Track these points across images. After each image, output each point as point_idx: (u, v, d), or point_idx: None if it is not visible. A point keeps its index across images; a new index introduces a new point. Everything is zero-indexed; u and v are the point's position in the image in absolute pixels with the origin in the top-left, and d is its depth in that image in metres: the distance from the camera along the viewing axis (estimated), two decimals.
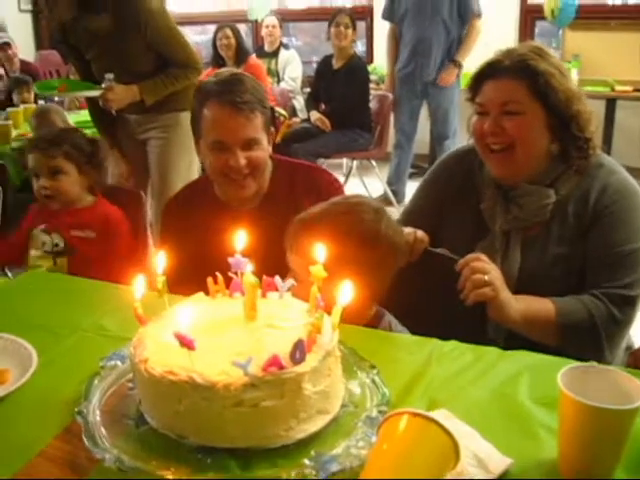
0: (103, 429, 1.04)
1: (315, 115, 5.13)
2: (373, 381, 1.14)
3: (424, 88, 4.97)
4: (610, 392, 0.95)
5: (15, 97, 4.97)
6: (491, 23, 5.11)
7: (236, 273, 1.21)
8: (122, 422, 1.07)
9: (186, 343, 0.96)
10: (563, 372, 0.97)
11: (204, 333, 1.07)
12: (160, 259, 1.16)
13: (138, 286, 1.08)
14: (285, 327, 1.07)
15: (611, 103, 4.94)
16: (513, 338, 1.55)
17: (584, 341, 1.56)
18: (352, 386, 1.13)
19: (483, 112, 1.66)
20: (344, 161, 5.72)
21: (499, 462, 0.97)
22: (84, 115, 3.96)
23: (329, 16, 5.26)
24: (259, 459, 0.97)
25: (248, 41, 7.04)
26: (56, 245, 2.35)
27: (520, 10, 5.89)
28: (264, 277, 1.19)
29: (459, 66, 4.84)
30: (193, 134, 1.98)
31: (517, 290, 1.60)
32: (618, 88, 4.93)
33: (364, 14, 6.56)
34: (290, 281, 1.17)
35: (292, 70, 6.33)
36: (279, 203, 1.94)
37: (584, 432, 0.93)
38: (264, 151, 1.91)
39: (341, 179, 5.25)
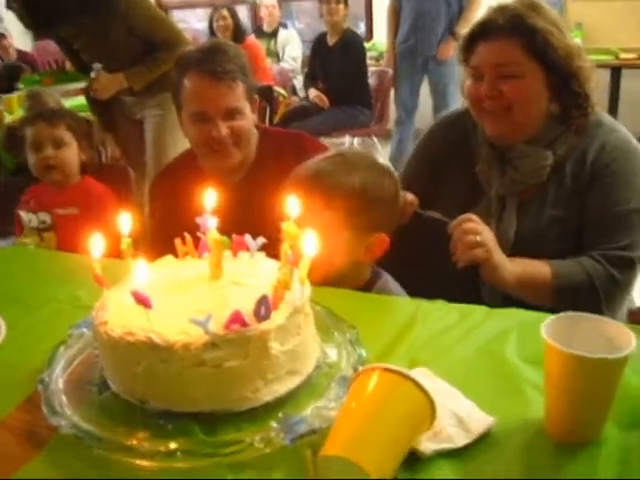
0: (64, 397, 0.99)
1: (313, 93, 5.07)
2: (351, 342, 1.07)
3: (425, 63, 4.86)
4: (598, 342, 0.88)
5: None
6: None
7: (205, 233, 1.14)
8: (85, 389, 1.02)
9: (142, 300, 0.90)
10: (547, 322, 0.90)
11: (165, 293, 1.01)
12: (125, 220, 1.10)
13: (96, 246, 1.02)
14: (251, 284, 1.00)
15: (616, 71, 4.82)
16: (509, 302, 1.48)
17: (582, 303, 1.44)
18: (328, 347, 1.07)
19: (477, 75, 1.58)
20: (346, 139, 5.63)
21: (481, 421, 0.90)
22: (79, 100, 3.92)
23: None
24: (224, 423, 0.91)
25: (248, 22, 6.97)
26: (42, 222, 2.31)
27: None
28: (234, 235, 1.13)
29: (459, 39, 4.72)
30: (175, 106, 1.92)
31: (513, 254, 1.53)
32: (622, 56, 4.81)
33: None
34: (261, 239, 1.11)
35: (292, 49, 6.26)
36: (267, 173, 1.87)
37: (569, 385, 0.86)
38: (247, 120, 1.85)
39: None
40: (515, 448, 0.88)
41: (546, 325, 0.89)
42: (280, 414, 0.91)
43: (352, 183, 1.37)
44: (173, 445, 0.87)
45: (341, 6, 4.99)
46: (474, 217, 1.48)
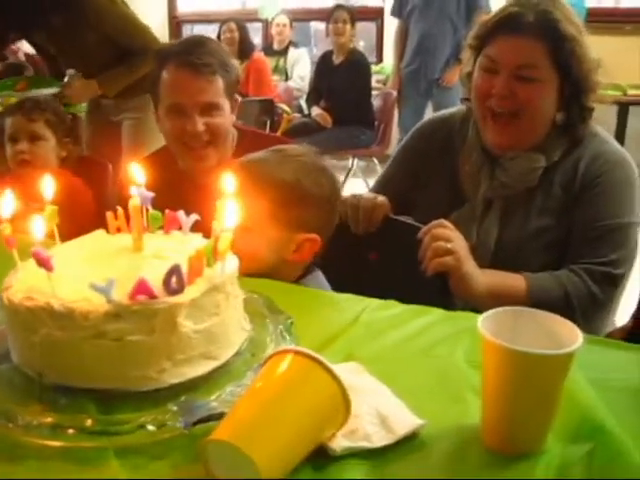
0: None
1: (316, 110, 5.03)
2: (282, 332, 0.98)
3: (429, 86, 4.81)
4: (542, 339, 0.79)
5: None
6: None
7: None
8: None
9: (42, 261, 0.81)
10: (486, 315, 0.80)
11: (80, 262, 0.92)
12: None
13: (5, 208, 0.93)
14: (171, 257, 0.91)
15: (623, 108, 4.76)
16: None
17: None
18: (256, 334, 0.98)
19: (491, 69, 1.47)
20: (349, 162, 5.58)
21: (407, 423, 0.81)
22: None
23: None
24: (123, 403, 0.82)
25: (259, 39, 6.97)
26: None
27: None
28: (167, 211, 1.05)
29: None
30: (152, 101, 1.86)
31: (492, 263, 1.45)
32: (631, 92, 4.74)
33: (375, 15, 6.46)
34: (194, 216, 1.02)
35: (300, 69, 6.23)
36: None
37: (506, 385, 0.76)
38: (225, 118, 1.78)
39: (342, 179, 5.12)
40: (442, 454, 0.79)
41: (484, 318, 0.80)
42: (183, 397, 0.81)
43: (284, 174, 1.30)
44: (52, 419, 0.77)
45: (348, 26, 4.98)
46: (446, 223, 1.40)
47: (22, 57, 6.18)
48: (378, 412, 0.81)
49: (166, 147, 1.93)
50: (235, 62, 4.94)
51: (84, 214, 2.27)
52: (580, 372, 0.90)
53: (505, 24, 1.45)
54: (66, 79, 2.87)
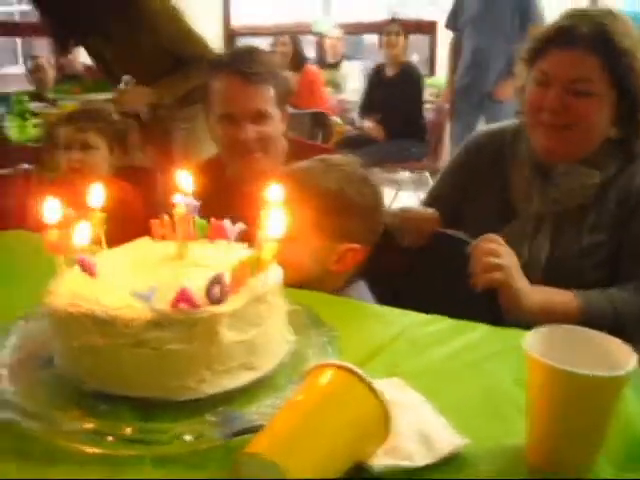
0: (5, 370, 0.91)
1: (368, 123, 5.00)
2: (325, 345, 0.96)
3: (481, 100, 4.75)
4: (593, 359, 0.75)
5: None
6: None
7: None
8: (32, 364, 0.93)
9: (86, 267, 0.82)
10: (533, 333, 0.78)
11: (124, 269, 0.93)
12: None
13: (49, 211, 0.94)
14: (214, 266, 0.90)
15: None
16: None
17: None
18: (299, 347, 0.96)
19: (544, 82, 1.43)
20: (400, 175, 5.54)
21: (449, 441, 0.78)
22: None
23: None
24: (161, 412, 0.82)
25: (311, 52, 7.01)
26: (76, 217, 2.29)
27: None
28: (212, 219, 1.05)
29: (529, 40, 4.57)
30: (204, 110, 1.89)
31: (543, 280, 1.41)
32: None
33: (428, 28, 6.43)
34: (240, 225, 1.02)
35: (353, 82, 6.26)
36: None
37: (553, 406, 0.73)
38: (275, 127, 1.80)
39: (393, 192, 5.09)
40: (485, 474, 0.76)
41: (531, 336, 0.77)
42: (221, 408, 0.80)
43: (328, 183, 1.30)
44: (92, 425, 0.77)
45: (400, 38, 4.96)
46: (496, 238, 1.36)
47: (80, 68, 6.34)
48: (420, 430, 0.79)
49: (215, 156, 1.95)
50: (289, 74, 4.98)
51: (134, 221, 2.29)
52: (634, 395, 0.86)
53: (557, 37, 1.42)
54: (121, 85, 2.89)
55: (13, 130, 3.98)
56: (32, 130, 3.83)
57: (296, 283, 1.19)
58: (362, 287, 1.37)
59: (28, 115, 4.31)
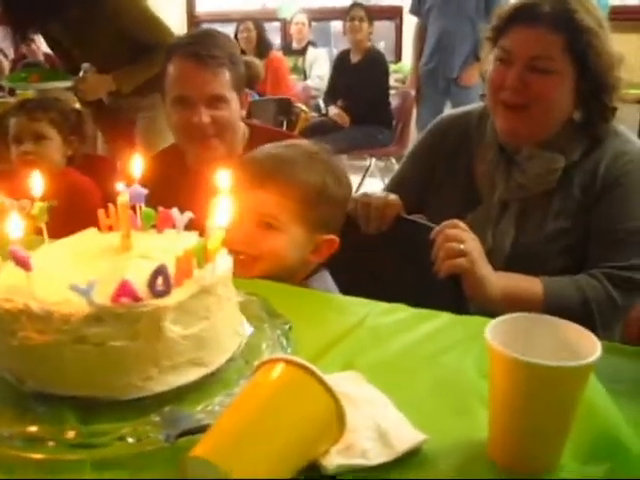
0: None
1: (333, 110, 4.97)
2: (279, 337, 0.92)
3: (447, 85, 4.73)
4: (557, 349, 0.72)
5: None
6: None
7: (133, 206, 1.01)
8: None
9: (19, 260, 0.77)
10: (495, 322, 0.74)
11: (64, 261, 0.87)
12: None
13: None
14: (159, 257, 0.85)
15: None
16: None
17: None
18: (253, 339, 0.92)
19: (505, 60, 1.41)
20: (367, 162, 5.51)
21: (408, 438, 0.75)
22: None
23: None
24: (105, 412, 0.77)
25: (277, 39, 6.94)
26: (22, 209, 2.22)
27: None
28: (160, 208, 1.00)
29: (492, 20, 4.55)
30: (160, 93, 1.83)
31: (507, 267, 1.39)
32: None
33: (394, 13, 6.39)
34: (188, 213, 0.97)
35: (319, 68, 6.18)
36: None
37: (516, 399, 0.70)
38: (232, 112, 1.75)
39: (359, 179, 5.05)
40: (445, 472, 0.73)
41: (493, 326, 0.73)
42: (167, 408, 0.76)
43: (314, 176, 1.28)
44: (31, 430, 0.72)
45: (365, 24, 4.93)
46: (459, 223, 1.33)
47: (41, 57, 6.20)
48: (377, 426, 0.75)
49: (175, 145, 1.90)
50: (254, 60, 4.88)
51: (92, 213, 2.24)
52: (599, 383, 0.83)
53: (520, 15, 1.41)
54: (81, 73, 2.81)
55: None
56: None
57: (273, 274, 1.21)
58: (326, 276, 1.35)
59: None
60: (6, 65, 5.39)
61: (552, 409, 0.69)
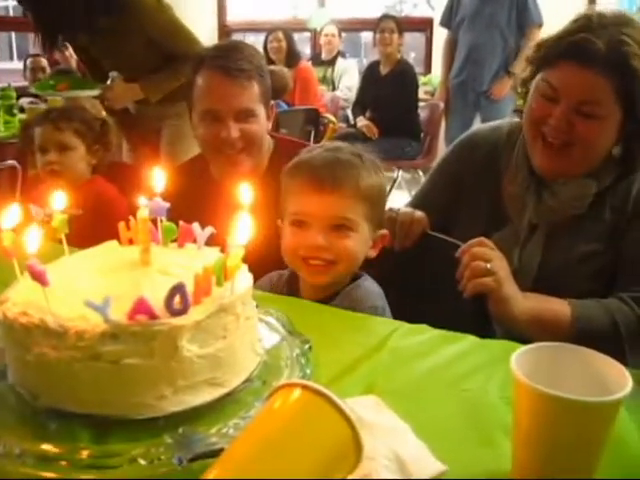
0: None
1: (362, 121, 4.94)
2: (299, 357, 0.90)
3: (476, 99, 4.69)
4: (585, 380, 0.69)
5: None
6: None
7: (155, 220, 1.00)
8: None
9: (36, 275, 0.76)
10: (521, 352, 0.71)
11: (82, 275, 0.86)
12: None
13: (6, 217, 0.88)
14: (178, 273, 0.84)
15: None
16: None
17: (603, 351, 1.29)
18: (272, 359, 0.90)
19: (551, 96, 1.35)
20: (394, 174, 5.47)
21: (427, 468, 0.72)
22: None
23: None
24: (119, 431, 0.75)
25: (307, 49, 6.94)
26: (48, 217, 2.23)
27: None
28: (181, 223, 0.98)
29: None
30: (187, 107, 1.82)
31: (534, 288, 1.35)
32: None
33: (424, 25, 6.36)
34: (210, 229, 0.95)
35: (348, 79, 6.17)
36: (279, 183, 1.73)
37: (541, 432, 0.67)
38: (260, 125, 1.72)
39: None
40: None
41: (518, 355, 0.70)
42: (181, 429, 0.74)
43: (374, 176, 1.31)
44: (43, 448, 0.71)
45: (395, 36, 4.90)
46: (486, 241, 1.31)
47: (74, 64, 6.27)
48: (396, 455, 0.73)
49: (200, 155, 1.89)
50: (283, 70, 4.87)
51: (118, 222, 2.24)
52: (629, 416, 0.80)
53: (573, 51, 1.32)
54: (108, 82, 2.83)
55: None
56: (19, 126, 3.75)
57: (344, 275, 1.30)
58: (369, 279, 1.36)
59: (16, 110, 4.23)
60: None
61: (579, 444, 0.66)
